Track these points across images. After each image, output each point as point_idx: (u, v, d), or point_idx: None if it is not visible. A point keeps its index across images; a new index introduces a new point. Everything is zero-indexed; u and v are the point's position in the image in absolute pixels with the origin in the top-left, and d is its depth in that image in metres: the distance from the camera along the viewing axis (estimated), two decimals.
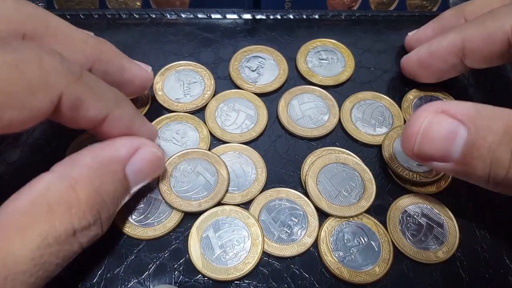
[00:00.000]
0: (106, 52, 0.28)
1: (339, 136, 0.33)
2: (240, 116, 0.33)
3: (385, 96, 0.34)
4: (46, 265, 0.20)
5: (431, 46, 0.32)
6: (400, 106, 0.34)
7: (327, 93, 0.34)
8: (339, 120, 0.33)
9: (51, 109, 0.21)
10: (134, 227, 0.28)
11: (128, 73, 0.29)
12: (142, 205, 0.28)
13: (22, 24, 0.24)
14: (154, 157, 0.26)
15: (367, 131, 0.32)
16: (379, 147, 0.32)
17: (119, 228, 0.27)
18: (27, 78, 0.20)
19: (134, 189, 0.26)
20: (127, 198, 0.26)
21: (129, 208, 0.28)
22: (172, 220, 0.28)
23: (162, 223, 0.28)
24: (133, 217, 0.28)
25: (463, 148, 0.23)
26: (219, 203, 0.29)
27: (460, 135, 0.23)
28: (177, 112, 0.33)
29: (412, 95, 0.35)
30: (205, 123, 0.32)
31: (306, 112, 0.33)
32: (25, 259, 0.19)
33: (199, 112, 0.33)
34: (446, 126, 0.24)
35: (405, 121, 0.33)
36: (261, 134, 0.32)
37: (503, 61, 0.30)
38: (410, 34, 0.36)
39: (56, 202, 0.21)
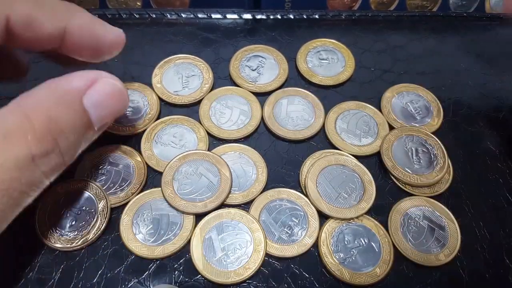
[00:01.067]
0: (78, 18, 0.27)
1: (314, 145, 0.32)
2: (234, 112, 0.33)
3: (369, 105, 0.34)
4: (10, 191, 0.20)
5: None
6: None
7: (319, 102, 0.33)
8: (324, 131, 0.32)
9: (2, 32, 0.23)
10: (153, 249, 0.27)
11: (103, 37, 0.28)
12: (151, 226, 0.28)
13: None
14: (113, 88, 0.25)
15: (352, 142, 0.32)
16: (367, 157, 0.32)
17: (140, 256, 0.27)
18: None
19: (98, 123, 0.24)
20: (93, 135, 0.25)
21: (141, 234, 0.28)
22: (186, 228, 0.28)
23: (178, 235, 0.28)
24: (148, 239, 0.27)
25: None
26: (223, 203, 0.29)
27: None
28: (175, 104, 0.33)
29: (390, 93, 0.34)
30: (200, 123, 0.32)
31: (291, 113, 0.33)
32: None
33: (197, 105, 0.33)
34: None
35: (390, 128, 0.33)
36: (257, 128, 0.32)
37: None
38: None
39: (11, 131, 0.20)
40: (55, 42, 0.25)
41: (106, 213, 0.28)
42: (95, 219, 0.27)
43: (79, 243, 0.27)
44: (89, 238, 0.27)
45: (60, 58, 0.29)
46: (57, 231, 0.27)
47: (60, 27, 0.25)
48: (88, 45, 0.26)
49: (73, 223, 0.27)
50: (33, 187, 0.22)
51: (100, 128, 0.25)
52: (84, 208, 0.28)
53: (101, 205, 0.28)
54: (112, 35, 0.27)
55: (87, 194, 0.28)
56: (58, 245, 0.27)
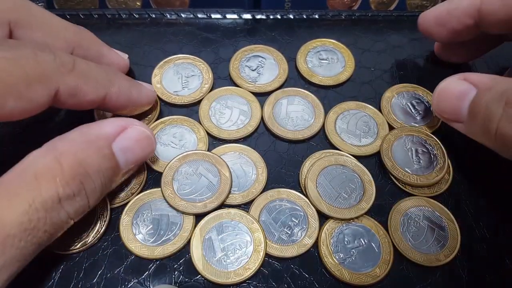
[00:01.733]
0: (86, 39, 0.30)
1: (314, 145, 0.32)
2: (234, 112, 0.33)
3: (368, 105, 0.34)
4: (35, 230, 0.21)
5: (450, 4, 0.32)
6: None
7: (318, 102, 0.33)
8: (324, 131, 0.33)
9: (49, 101, 0.24)
10: (153, 249, 0.27)
11: (107, 58, 0.31)
12: (151, 226, 0.28)
13: (7, 13, 0.27)
14: (142, 135, 0.26)
15: (352, 142, 0.32)
16: (367, 157, 0.32)
17: (140, 256, 0.27)
18: (25, 71, 0.23)
19: (125, 168, 0.26)
20: (120, 178, 0.26)
21: (141, 234, 0.28)
22: (186, 228, 0.28)
23: (178, 235, 0.28)
24: (148, 239, 0.27)
25: (469, 106, 0.26)
26: (223, 203, 0.29)
27: (470, 95, 0.26)
28: (175, 104, 0.33)
29: (389, 93, 0.34)
30: (200, 123, 0.32)
31: (290, 113, 0.33)
32: (14, 223, 0.20)
33: (197, 105, 0.33)
34: (459, 87, 0.27)
35: (390, 128, 0.33)
36: (257, 129, 0.32)
37: None
38: (424, 12, 0.34)
39: (42, 172, 0.21)
40: (93, 106, 0.27)
41: (106, 216, 0.28)
42: (94, 222, 0.27)
43: (78, 246, 0.27)
44: (88, 241, 0.27)
45: None
46: None
47: (101, 95, 0.27)
48: (124, 106, 0.29)
49: (72, 225, 0.27)
50: (57, 228, 0.22)
51: (127, 172, 0.27)
52: None
53: (100, 208, 0.28)
54: (146, 99, 0.31)
55: None
56: (56, 248, 0.27)
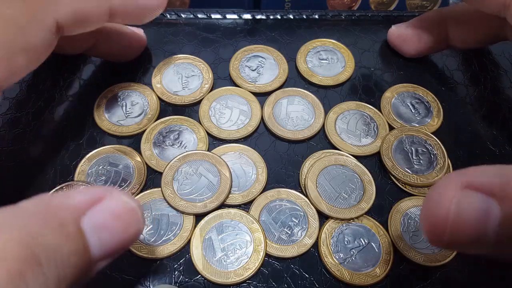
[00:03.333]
0: None
1: (314, 145, 0.32)
2: (234, 112, 0.33)
3: (368, 105, 0.34)
4: None
5: (416, 26, 0.35)
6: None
7: (318, 102, 0.33)
8: (324, 131, 0.33)
9: (53, 37, 0.23)
10: (153, 249, 0.27)
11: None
12: (151, 226, 0.28)
13: None
14: (124, 209, 0.19)
15: (352, 142, 0.32)
16: (367, 157, 0.32)
17: (140, 256, 0.27)
18: (14, 18, 0.21)
19: (99, 254, 0.18)
20: (93, 271, 0.18)
21: (141, 234, 0.28)
22: (186, 228, 0.28)
23: (178, 235, 0.28)
24: (148, 239, 0.27)
25: (498, 227, 0.18)
26: (223, 203, 0.29)
27: (494, 211, 0.18)
28: (175, 104, 0.33)
29: (389, 93, 0.35)
30: (200, 123, 0.32)
31: (290, 113, 0.33)
32: None
33: (197, 105, 0.33)
34: (476, 204, 0.18)
35: (390, 128, 0.33)
36: (257, 129, 0.32)
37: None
38: (393, 27, 0.37)
39: None
40: (105, 21, 0.25)
41: None
42: None
43: None
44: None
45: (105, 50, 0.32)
46: None
47: (105, 9, 0.25)
48: (135, 14, 0.27)
49: None
50: None
51: (103, 260, 0.18)
52: None
53: None
54: (156, 3, 0.28)
55: None
56: None
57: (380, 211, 0.29)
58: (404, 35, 0.35)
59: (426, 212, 0.20)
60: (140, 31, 0.34)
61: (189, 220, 0.28)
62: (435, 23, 0.34)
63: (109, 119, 0.32)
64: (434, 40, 0.34)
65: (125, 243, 0.19)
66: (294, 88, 0.34)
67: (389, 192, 0.30)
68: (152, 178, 0.30)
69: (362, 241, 0.28)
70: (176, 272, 0.27)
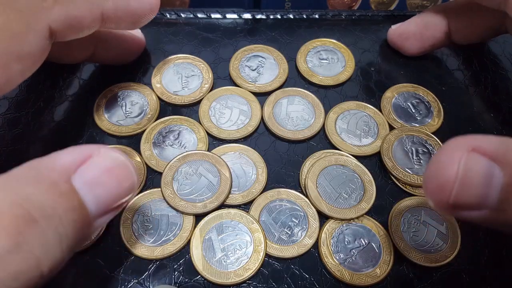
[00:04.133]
0: None
1: (314, 145, 0.32)
2: (234, 112, 0.33)
3: (369, 105, 0.34)
4: None
5: (419, 24, 0.35)
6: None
7: (318, 102, 0.33)
8: (324, 131, 0.32)
9: (46, 42, 0.22)
10: (153, 249, 0.27)
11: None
12: (150, 226, 0.28)
13: None
14: (115, 163, 0.19)
15: (352, 142, 0.32)
16: (367, 157, 0.32)
17: (140, 256, 0.27)
18: (9, 25, 0.21)
19: (97, 210, 0.18)
20: (94, 227, 0.19)
21: (141, 235, 0.28)
22: (186, 228, 0.28)
23: (178, 235, 0.28)
24: (147, 240, 0.27)
25: (500, 191, 0.19)
26: (223, 203, 0.29)
27: (496, 176, 0.19)
28: (175, 104, 0.33)
29: (390, 93, 0.34)
30: (200, 123, 0.32)
31: (291, 113, 0.33)
32: None
33: (197, 105, 0.33)
34: (483, 168, 0.19)
35: (390, 128, 0.33)
36: (257, 128, 0.32)
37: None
38: (393, 27, 0.37)
39: None
40: (97, 27, 0.25)
41: None
42: None
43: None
44: (88, 242, 0.27)
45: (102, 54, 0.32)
46: None
47: (97, 14, 0.25)
48: (126, 19, 0.27)
49: None
50: None
51: (102, 216, 0.19)
52: None
53: None
54: (149, 5, 0.28)
55: None
56: None
57: (380, 211, 0.29)
58: (406, 34, 0.35)
59: (432, 173, 0.20)
60: (138, 33, 0.34)
61: (189, 221, 0.28)
62: (436, 20, 0.34)
63: (108, 119, 0.32)
64: (435, 37, 0.35)
65: (120, 197, 0.19)
66: (294, 88, 0.34)
67: (389, 192, 0.30)
68: (152, 178, 0.30)
69: (363, 241, 0.28)
70: (176, 272, 0.27)
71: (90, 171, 0.18)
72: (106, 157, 0.19)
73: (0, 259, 0.14)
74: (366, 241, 0.28)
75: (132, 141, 0.31)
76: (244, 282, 0.26)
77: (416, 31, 0.35)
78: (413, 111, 0.33)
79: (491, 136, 0.20)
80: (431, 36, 0.35)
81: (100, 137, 0.31)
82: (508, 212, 0.19)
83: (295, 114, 0.33)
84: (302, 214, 0.29)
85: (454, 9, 0.34)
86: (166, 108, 0.33)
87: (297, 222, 0.28)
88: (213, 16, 0.38)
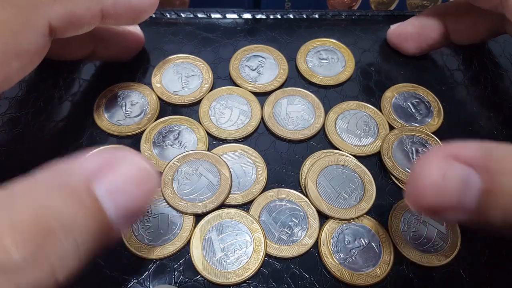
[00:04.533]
0: None
1: (314, 145, 0.32)
2: (234, 112, 0.33)
3: (369, 105, 0.34)
4: None
5: (417, 24, 0.35)
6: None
7: (318, 102, 0.33)
8: (324, 131, 0.32)
9: (46, 39, 0.22)
10: (153, 249, 0.27)
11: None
12: (150, 226, 0.28)
13: None
14: (138, 172, 0.18)
15: (352, 142, 0.32)
16: (367, 157, 0.32)
17: (139, 256, 0.27)
18: (9, 23, 0.21)
19: (117, 218, 0.18)
20: (113, 235, 0.18)
21: (141, 235, 0.28)
22: (186, 228, 0.28)
23: (178, 235, 0.28)
24: (147, 239, 0.27)
25: (478, 197, 0.19)
26: (223, 203, 0.29)
27: (473, 182, 0.19)
28: (175, 104, 0.33)
29: (390, 93, 0.34)
30: (200, 123, 0.32)
31: (291, 113, 0.33)
32: None
33: (197, 105, 0.33)
34: (459, 174, 0.20)
35: (390, 128, 0.33)
36: (257, 128, 0.32)
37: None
38: (392, 27, 0.37)
39: None
40: (97, 24, 0.25)
41: None
42: None
43: None
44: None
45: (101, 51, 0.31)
46: None
47: (97, 11, 0.25)
48: (127, 15, 0.27)
49: None
50: None
51: (123, 222, 0.18)
52: None
53: None
54: (147, 0, 0.27)
55: None
56: None
57: (380, 211, 0.29)
58: (404, 35, 0.36)
59: (412, 179, 0.20)
60: (137, 30, 0.34)
61: (189, 220, 0.28)
62: (434, 21, 0.34)
63: (109, 119, 0.32)
64: (433, 38, 0.35)
65: (142, 203, 0.19)
66: (294, 88, 0.34)
67: (389, 192, 0.30)
68: None
69: (363, 241, 0.28)
70: (176, 272, 0.27)
71: (114, 179, 0.17)
72: (130, 165, 0.18)
73: (17, 269, 0.14)
74: (366, 241, 0.28)
75: (132, 141, 0.31)
76: (244, 282, 0.26)
77: (414, 32, 0.35)
78: (413, 111, 0.33)
79: (473, 143, 0.20)
80: (428, 36, 0.35)
81: (100, 137, 0.31)
82: (487, 214, 0.20)
83: (295, 114, 0.33)
84: (302, 214, 0.29)
85: (453, 10, 0.34)
86: (166, 108, 0.33)
87: (297, 222, 0.28)
88: (213, 16, 0.38)
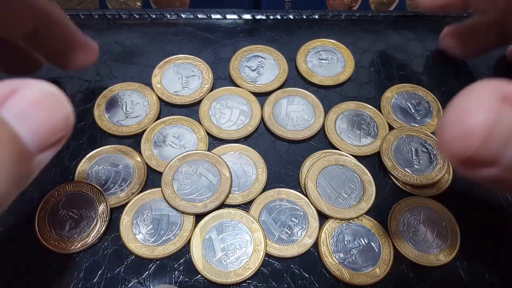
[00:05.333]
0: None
1: (314, 145, 0.32)
2: (234, 112, 0.33)
3: (368, 105, 0.34)
4: None
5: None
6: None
7: (318, 102, 0.33)
8: (324, 131, 0.33)
9: None
10: (153, 249, 0.27)
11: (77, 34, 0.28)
12: (151, 226, 0.28)
13: None
14: (42, 95, 0.18)
15: (352, 142, 0.32)
16: (367, 157, 0.32)
17: (140, 256, 0.27)
18: None
19: (33, 143, 0.17)
20: (36, 162, 0.18)
21: (141, 234, 0.28)
22: (186, 228, 0.28)
23: (178, 235, 0.28)
24: (148, 239, 0.27)
25: None
26: (223, 203, 0.29)
27: None
28: (175, 104, 0.33)
29: (389, 93, 0.34)
30: (200, 123, 0.32)
31: (290, 113, 0.33)
32: None
33: (197, 105, 0.33)
34: (510, 121, 0.16)
35: (390, 128, 0.33)
36: (257, 129, 0.32)
37: None
38: (446, 28, 0.36)
39: None
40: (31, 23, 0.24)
41: (106, 217, 0.28)
42: (94, 223, 0.27)
43: (78, 246, 0.27)
44: (88, 241, 0.27)
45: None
46: (57, 234, 0.27)
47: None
48: (62, 38, 0.25)
49: (73, 225, 0.27)
50: None
51: (42, 151, 0.18)
52: (83, 211, 0.28)
53: (100, 208, 0.28)
54: (85, 39, 0.27)
55: (87, 196, 0.28)
56: (57, 248, 0.27)
57: (380, 211, 0.29)
58: (461, 35, 0.35)
59: (455, 118, 0.17)
60: (93, 42, 0.31)
61: (189, 220, 0.28)
62: (489, 23, 0.33)
63: (109, 119, 0.32)
64: (490, 39, 0.34)
65: (56, 130, 0.18)
66: (294, 88, 0.34)
67: (389, 192, 0.30)
68: (152, 178, 0.30)
69: (362, 241, 0.28)
70: (176, 272, 0.27)
71: (18, 104, 0.17)
72: (33, 89, 0.18)
73: None
74: (365, 241, 0.28)
75: (132, 141, 0.31)
76: (244, 281, 0.26)
77: (469, 34, 0.34)
78: (413, 111, 0.34)
79: None
80: (485, 39, 0.34)
81: (101, 137, 0.31)
82: None
83: (295, 114, 0.33)
84: (302, 213, 0.29)
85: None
86: (166, 108, 0.33)
87: (297, 221, 0.28)
88: (213, 16, 0.38)
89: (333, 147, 0.32)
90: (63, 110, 0.18)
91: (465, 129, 0.17)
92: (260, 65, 0.35)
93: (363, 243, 0.28)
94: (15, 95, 0.17)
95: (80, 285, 0.26)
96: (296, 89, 0.34)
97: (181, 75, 0.34)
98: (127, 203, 0.29)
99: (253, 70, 0.35)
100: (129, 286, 0.26)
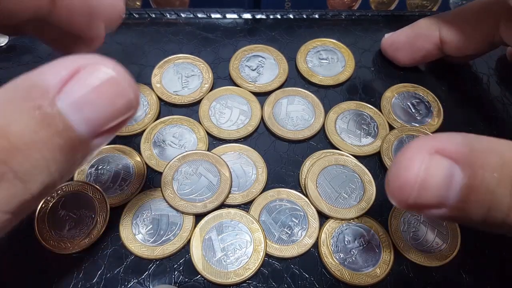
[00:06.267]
0: None
1: (314, 145, 0.32)
2: (234, 112, 0.33)
3: (368, 105, 0.34)
4: None
5: (410, 33, 0.34)
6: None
7: (318, 102, 0.33)
8: (324, 131, 0.32)
9: None
10: (153, 249, 0.27)
11: None
12: (150, 226, 0.28)
13: None
14: (105, 78, 0.17)
15: (352, 142, 0.32)
16: (367, 157, 0.32)
17: (140, 256, 0.27)
18: None
19: (88, 132, 0.17)
20: (89, 150, 0.17)
21: (141, 234, 0.28)
22: (186, 228, 0.28)
23: (178, 235, 0.28)
24: (147, 239, 0.27)
25: (460, 192, 0.19)
26: (223, 203, 0.29)
27: (456, 177, 0.19)
28: (175, 104, 0.33)
29: (390, 93, 0.35)
30: (200, 123, 0.32)
31: (290, 113, 0.33)
32: None
33: (197, 105, 0.33)
34: (444, 170, 0.19)
35: (390, 128, 0.33)
36: (257, 128, 0.32)
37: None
38: (386, 36, 0.36)
39: None
40: (41, 12, 0.22)
41: (106, 217, 0.28)
42: (94, 223, 0.27)
43: (78, 246, 0.27)
44: (88, 242, 0.27)
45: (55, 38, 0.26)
46: (56, 234, 0.27)
47: None
48: (81, 10, 0.23)
49: (72, 225, 0.27)
50: None
51: (97, 137, 0.17)
52: (83, 211, 0.28)
53: (100, 208, 0.28)
54: (108, 2, 0.24)
55: (86, 196, 0.28)
56: (56, 248, 0.27)
57: (380, 211, 0.29)
58: (396, 44, 0.35)
59: (394, 173, 0.20)
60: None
61: (189, 220, 0.28)
62: (427, 31, 0.33)
63: None
64: (426, 48, 0.34)
65: (115, 116, 0.17)
66: (294, 88, 0.34)
67: None
68: (152, 178, 0.30)
69: (362, 241, 0.28)
70: (176, 272, 0.27)
71: (76, 91, 0.16)
72: (97, 72, 0.17)
73: None
74: (366, 241, 0.28)
75: (132, 141, 0.31)
76: (244, 281, 0.26)
77: (406, 42, 0.34)
78: (413, 111, 0.33)
79: (456, 135, 0.21)
80: (421, 47, 0.34)
81: None
82: (467, 210, 0.19)
83: (295, 114, 0.33)
84: (302, 214, 0.29)
85: (448, 19, 0.33)
86: (166, 108, 0.33)
87: (297, 222, 0.28)
88: (213, 16, 0.38)
89: (333, 147, 0.32)
90: (124, 97, 0.17)
91: (401, 182, 0.19)
92: (260, 64, 0.35)
93: (364, 243, 0.28)
94: (75, 79, 0.16)
95: (79, 285, 0.26)
96: (296, 89, 0.34)
97: (181, 74, 0.34)
98: (126, 203, 0.28)
99: (253, 70, 0.35)
100: (128, 286, 0.26)
